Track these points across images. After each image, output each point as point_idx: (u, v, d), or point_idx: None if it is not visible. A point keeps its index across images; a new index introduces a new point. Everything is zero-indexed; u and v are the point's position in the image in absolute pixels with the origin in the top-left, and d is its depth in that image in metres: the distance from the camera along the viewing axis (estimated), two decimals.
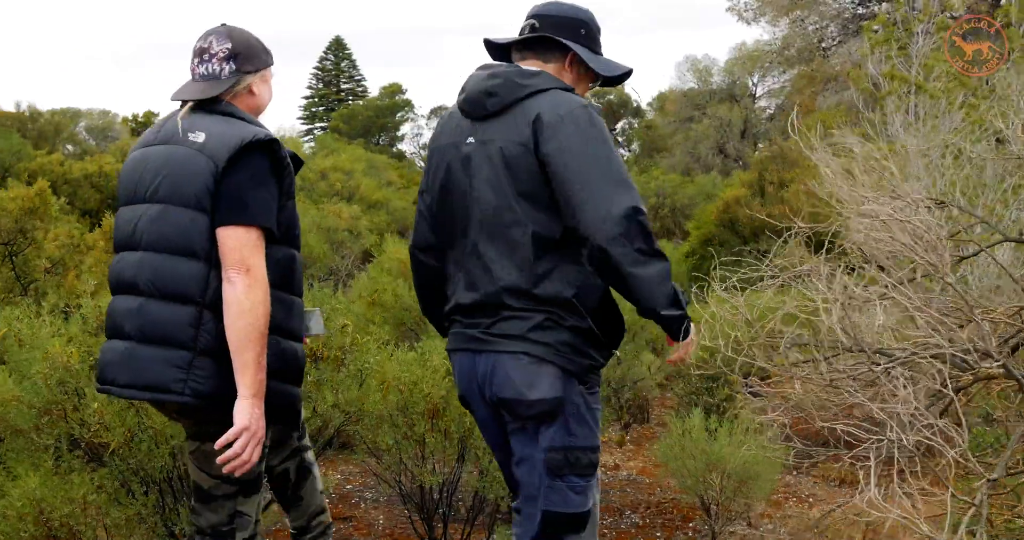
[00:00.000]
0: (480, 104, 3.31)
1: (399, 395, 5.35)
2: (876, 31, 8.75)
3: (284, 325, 3.23)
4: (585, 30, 3.42)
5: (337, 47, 71.55)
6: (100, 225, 10.05)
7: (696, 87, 51.51)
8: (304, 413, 4.31)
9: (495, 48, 3.52)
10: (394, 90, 64.03)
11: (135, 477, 4.69)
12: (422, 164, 53.92)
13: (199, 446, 3.23)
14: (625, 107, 61.19)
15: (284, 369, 3.23)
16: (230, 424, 3.00)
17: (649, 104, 61.90)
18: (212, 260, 3.08)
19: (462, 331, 3.37)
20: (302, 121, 70.84)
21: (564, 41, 3.36)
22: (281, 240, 3.21)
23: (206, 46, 3.28)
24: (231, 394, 3.03)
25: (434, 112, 65.15)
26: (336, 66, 71.54)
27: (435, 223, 3.47)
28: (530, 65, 3.38)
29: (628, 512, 7.00)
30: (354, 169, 19.14)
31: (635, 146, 60.41)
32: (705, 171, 38.06)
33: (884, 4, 27.44)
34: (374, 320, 6.36)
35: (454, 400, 5.40)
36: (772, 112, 49.91)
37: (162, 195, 3.13)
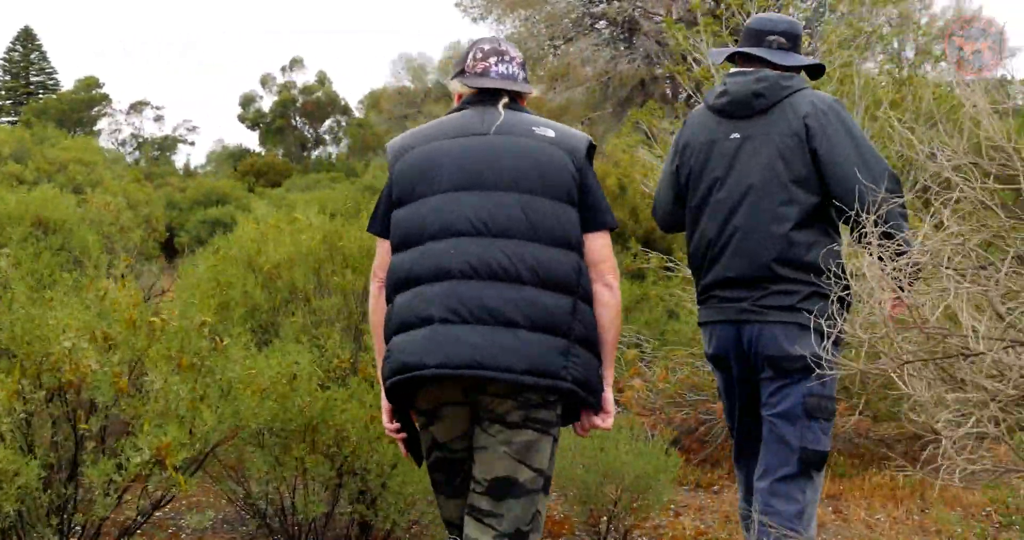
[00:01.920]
0: (747, 105, 3.95)
1: (278, 408, 4.45)
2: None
3: None
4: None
5: (26, 37, 67.29)
6: None
7: (411, 85, 51.25)
8: (180, 436, 4.01)
9: (743, 57, 4.12)
10: (90, 84, 60.81)
11: None
12: (128, 161, 51.46)
13: (533, 437, 3.15)
14: (333, 105, 60.74)
15: None
16: (555, 411, 3.18)
17: (360, 102, 61.47)
18: (581, 252, 3.22)
19: (722, 305, 3.99)
20: None
21: (804, 56, 4.13)
22: None
23: (503, 49, 3.42)
24: (590, 382, 3.18)
25: (134, 107, 62.51)
26: (25, 58, 67.25)
27: (681, 204, 4.18)
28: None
29: None
30: (95, 161, 17.79)
31: (344, 144, 59.91)
32: None
33: (615, 3, 27.67)
34: (221, 320, 5.42)
35: (332, 415, 4.60)
36: None
37: (531, 187, 3.20)
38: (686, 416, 7.22)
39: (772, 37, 4.05)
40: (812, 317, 3.51)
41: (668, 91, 32.45)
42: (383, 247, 3.37)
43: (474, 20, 32.34)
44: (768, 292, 3.85)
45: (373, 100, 56.38)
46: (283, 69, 60.85)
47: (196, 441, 4.07)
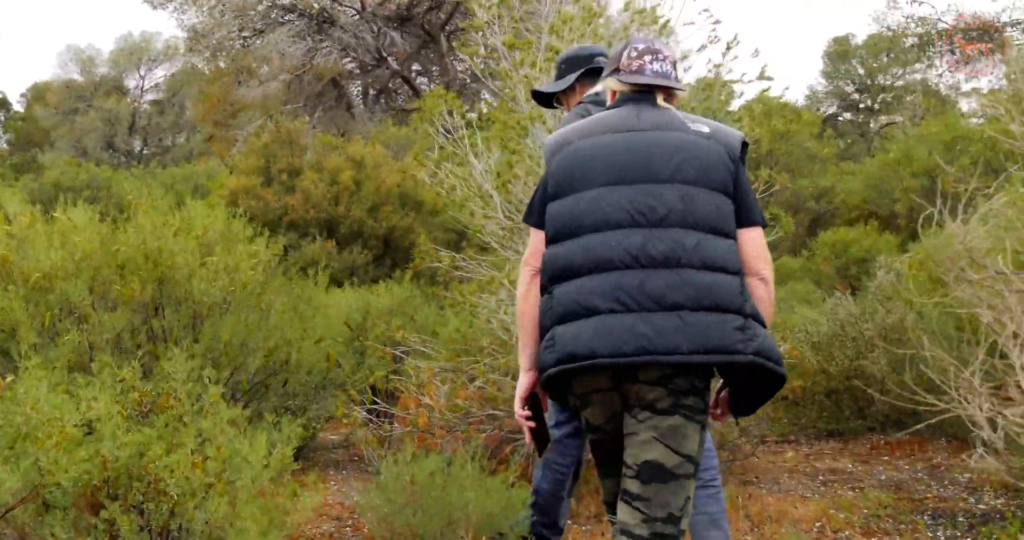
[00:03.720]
0: None
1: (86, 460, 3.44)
2: None
3: None
4: None
5: None
6: None
7: (79, 78, 48.41)
8: None
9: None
10: None
11: None
12: None
13: (680, 423, 3.22)
14: None
15: None
16: (704, 398, 3.25)
17: (23, 95, 57.79)
18: (734, 239, 3.28)
19: None
20: None
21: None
22: None
23: (658, 48, 3.55)
24: (774, 352, 3.18)
25: None
26: None
27: None
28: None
29: None
30: None
31: (4, 140, 56.46)
32: (95, 166, 35.66)
33: None
34: None
35: (142, 464, 3.67)
36: (163, 106, 48.09)
37: (688, 178, 3.28)
38: (490, 434, 6.53)
39: (599, 58, 4.67)
40: None
41: (359, 88, 31.77)
42: (538, 237, 3.45)
43: (154, 7, 30.51)
44: None
45: (38, 93, 52.89)
46: None
47: None
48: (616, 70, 3.58)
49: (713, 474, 4.38)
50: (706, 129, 3.41)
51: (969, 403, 3.33)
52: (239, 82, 30.47)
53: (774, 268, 3.55)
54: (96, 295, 4.76)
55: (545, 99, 4.83)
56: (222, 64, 31.34)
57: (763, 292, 3.30)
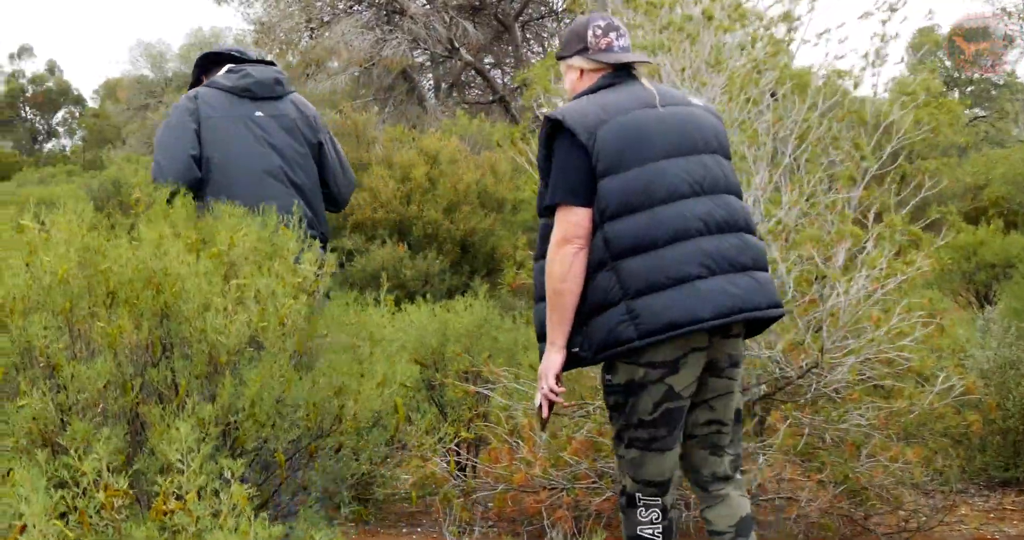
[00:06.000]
0: (270, 89, 4.72)
1: None
2: None
3: None
4: None
5: None
6: None
7: (150, 74, 48.03)
8: None
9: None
10: None
11: None
12: None
13: (739, 368, 3.56)
14: (66, 95, 57.48)
15: None
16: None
17: (96, 92, 58.01)
18: None
19: None
20: None
21: None
22: None
23: (617, 25, 3.66)
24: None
25: None
26: None
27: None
28: None
29: None
30: None
31: (79, 136, 56.80)
32: None
33: None
34: None
35: None
36: None
37: (715, 147, 3.55)
38: (606, 498, 5.15)
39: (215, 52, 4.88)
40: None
41: (431, 80, 30.62)
42: (583, 215, 3.43)
43: (218, 3, 30.00)
44: None
45: (109, 89, 52.97)
46: (11, 57, 57.33)
47: None
48: (584, 49, 3.62)
49: None
50: (700, 102, 3.65)
51: None
52: (307, 75, 29.43)
53: None
54: (75, 336, 3.42)
55: None
56: (291, 59, 30.40)
57: None
